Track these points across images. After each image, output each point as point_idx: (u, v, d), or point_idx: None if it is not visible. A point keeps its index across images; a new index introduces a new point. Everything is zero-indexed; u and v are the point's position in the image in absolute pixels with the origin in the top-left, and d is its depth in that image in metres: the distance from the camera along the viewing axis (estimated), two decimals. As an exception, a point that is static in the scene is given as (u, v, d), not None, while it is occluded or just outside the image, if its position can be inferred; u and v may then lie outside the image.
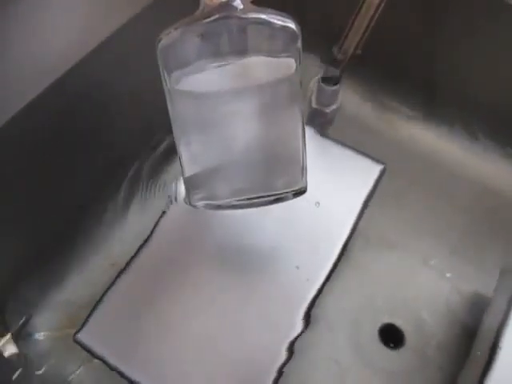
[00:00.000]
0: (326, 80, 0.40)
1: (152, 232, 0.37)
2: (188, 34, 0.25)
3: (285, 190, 0.31)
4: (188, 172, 0.30)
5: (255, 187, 0.31)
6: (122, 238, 0.38)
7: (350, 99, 0.44)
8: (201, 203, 0.31)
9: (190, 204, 0.31)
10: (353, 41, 0.36)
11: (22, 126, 0.29)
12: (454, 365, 0.33)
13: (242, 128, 0.29)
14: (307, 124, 0.41)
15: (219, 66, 0.26)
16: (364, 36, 0.36)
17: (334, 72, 0.38)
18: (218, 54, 0.26)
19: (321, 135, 0.41)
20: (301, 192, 0.31)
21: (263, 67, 0.26)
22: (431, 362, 0.33)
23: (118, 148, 0.39)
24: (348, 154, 0.40)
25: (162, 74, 0.26)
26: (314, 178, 0.38)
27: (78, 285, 0.37)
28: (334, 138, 0.41)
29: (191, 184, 0.31)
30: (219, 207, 0.32)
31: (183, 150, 0.29)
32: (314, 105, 0.42)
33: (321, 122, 0.42)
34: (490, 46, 0.38)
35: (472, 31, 0.38)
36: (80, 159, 0.36)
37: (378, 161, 0.40)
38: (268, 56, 0.26)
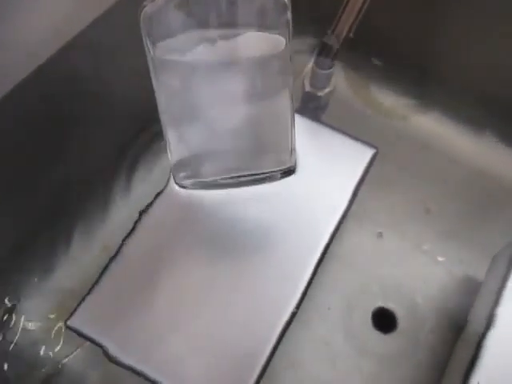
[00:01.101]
0: (319, 63, 0.40)
1: (143, 216, 0.37)
2: (173, 2, 0.24)
3: (273, 169, 0.30)
4: (174, 150, 0.30)
5: (243, 166, 0.30)
6: (113, 222, 0.38)
7: (342, 83, 0.44)
8: (187, 181, 0.31)
9: (176, 183, 0.31)
10: (345, 24, 0.36)
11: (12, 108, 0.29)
12: (446, 348, 0.33)
13: (230, 104, 0.28)
14: (300, 109, 0.41)
15: (207, 38, 0.25)
16: (357, 19, 0.35)
17: (327, 55, 0.38)
18: (205, 25, 0.25)
19: (313, 120, 0.40)
20: (289, 172, 0.31)
21: (253, 41, 0.26)
22: (424, 345, 0.34)
23: (114, 132, 0.38)
24: (339, 138, 0.40)
25: (145, 43, 0.25)
26: (306, 162, 0.38)
27: (68, 270, 0.37)
28: (326, 123, 0.40)
29: (177, 162, 0.30)
30: (206, 186, 0.31)
31: (168, 127, 0.29)
32: (307, 88, 0.42)
33: (315, 106, 0.42)
34: (488, 32, 0.37)
35: (470, 16, 0.37)
36: (71, 145, 0.35)
37: (369, 145, 0.39)
38: (257, 29, 0.25)
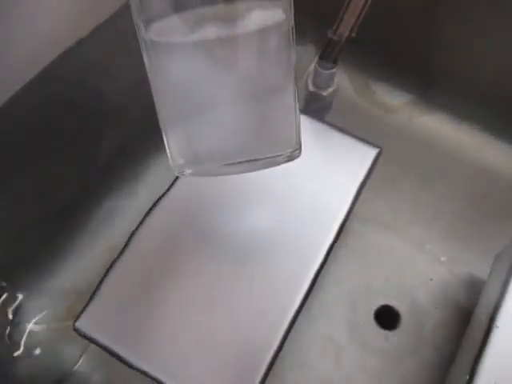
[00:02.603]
0: (322, 62, 0.40)
1: (147, 217, 0.37)
2: None
3: (277, 153, 0.28)
4: (171, 136, 0.28)
5: (244, 150, 0.28)
6: (120, 223, 0.38)
7: (346, 83, 0.44)
8: (187, 170, 0.29)
9: (175, 171, 0.29)
10: (348, 23, 0.36)
11: (21, 107, 0.29)
12: (449, 345, 0.33)
13: (229, 82, 0.26)
14: (304, 109, 0.40)
15: (203, 13, 0.24)
16: (359, 18, 0.35)
17: (330, 54, 0.38)
18: (201, 3, 0.23)
19: (317, 119, 0.40)
20: (294, 156, 0.29)
21: (251, 13, 0.24)
22: (427, 342, 0.34)
23: (117, 134, 0.38)
24: (343, 138, 0.40)
25: (136, 24, 0.24)
26: (309, 161, 0.38)
27: (75, 270, 0.37)
28: (329, 123, 0.41)
29: (175, 150, 0.28)
30: (207, 173, 0.30)
31: (164, 112, 0.27)
32: (310, 88, 0.42)
33: (319, 106, 0.42)
34: (489, 30, 0.37)
35: (472, 14, 0.37)
36: (77, 145, 0.35)
37: (373, 144, 0.40)
38: (257, 1, 0.24)
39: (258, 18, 0.24)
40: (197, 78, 0.26)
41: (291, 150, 0.29)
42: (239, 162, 0.28)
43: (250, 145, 0.28)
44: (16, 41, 0.29)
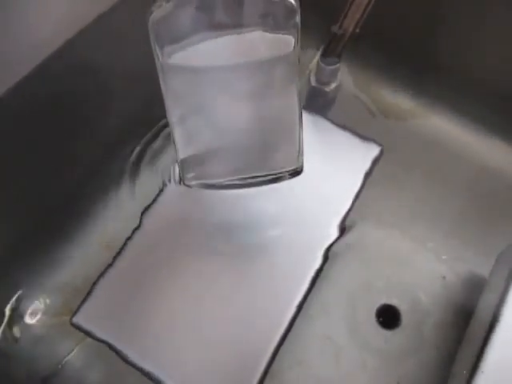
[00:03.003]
0: (325, 58, 0.39)
1: (146, 213, 0.37)
2: (181, 7, 0.24)
3: (280, 171, 0.30)
4: (182, 151, 0.30)
5: (250, 167, 0.30)
6: (117, 219, 0.38)
7: (349, 80, 0.44)
8: (195, 182, 0.31)
9: (184, 183, 0.31)
10: (352, 19, 0.36)
11: (18, 101, 0.29)
12: (450, 344, 0.33)
13: (237, 106, 0.28)
14: (307, 106, 0.40)
15: (214, 40, 0.25)
16: (365, 13, 0.35)
17: (334, 50, 0.38)
18: (213, 28, 0.25)
19: (320, 116, 0.40)
20: (296, 172, 0.31)
21: (260, 43, 0.26)
22: (428, 341, 0.34)
23: (116, 129, 0.38)
24: (345, 135, 0.40)
25: (153, 48, 0.25)
26: (311, 159, 0.37)
27: (72, 266, 0.36)
28: (332, 120, 0.40)
29: (185, 163, 0.30)
30: (213, 186, 0.31)
31: (177, 129, 0.29)
32: (313, 83, 0.42)
33: (322, 102, 0.42)
34: (493, 29, 0.37)
35: (475, 13, 0.37)
36: (74, 142, 0.35)
37: (375, 142, 0.40)
38: (265, 31, 0.25)
39: (266, 46, 0.26)
40: (206, 98, 0.28)
41: (294, 167, 0.30)
42: (244, 178, 0.31)
43: (255, 162, 0.31)
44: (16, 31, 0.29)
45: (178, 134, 0.29)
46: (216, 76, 0.27)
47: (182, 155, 0.30)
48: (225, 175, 0.31)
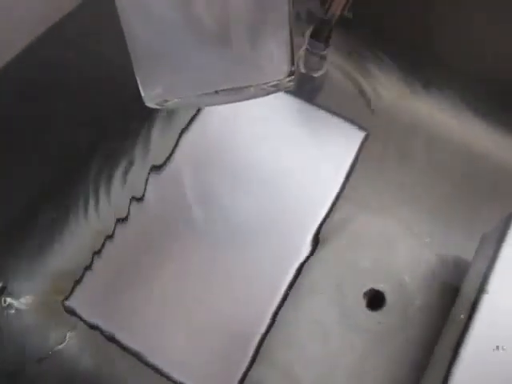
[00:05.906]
0: (313, 43, 0.39)
1: (134, 203, 0.37)
2: None
3: (265, 81, 0.24)
4: (140, 61, 0.24)
5: (227, 77, 0.24)
6: (108, 205, 0.38)
7: (336, 65, 0.44)
8: (159, 100, 0.25)
9: (146, 103, 0.25)
10: (339, 4, 0.36)
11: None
12: (435, 325, 0.34)
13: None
14: (295, 91, 0.40)
15: None
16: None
17: (321, 35, 0.38)
18: None
19: (307, 101, 0.40)
20: (286, 85, 0.24)
21: None
22: (413, 322, 0.34)
23: (108, 115, 0.38)
24: (331, 120, 0.40)
25: None
26: (298, 143, 0.38)
27: (63, 252, 0.36)
28: (319, 104, 0.41)
29: (146, 76, 0.24)
30: (186, 103, 0.26)
31: (133, 30, 0.23)
32: (302, 70, 0.42)
33: (310, 88, 0.42)
34: (489, 19, 0.37)
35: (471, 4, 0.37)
36: (68, 123, 0.35)
37: (360, 127, 0.40)
38: None
39: None
40: None
41: (282, 77, 0.24)
42: (222, 91, 0.24)
43: (233, 71, 0.24)
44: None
45: (134, 38, 0.23)
46: None
47: (141, 68, 0.24)
48: (198, 88, 0.24)
